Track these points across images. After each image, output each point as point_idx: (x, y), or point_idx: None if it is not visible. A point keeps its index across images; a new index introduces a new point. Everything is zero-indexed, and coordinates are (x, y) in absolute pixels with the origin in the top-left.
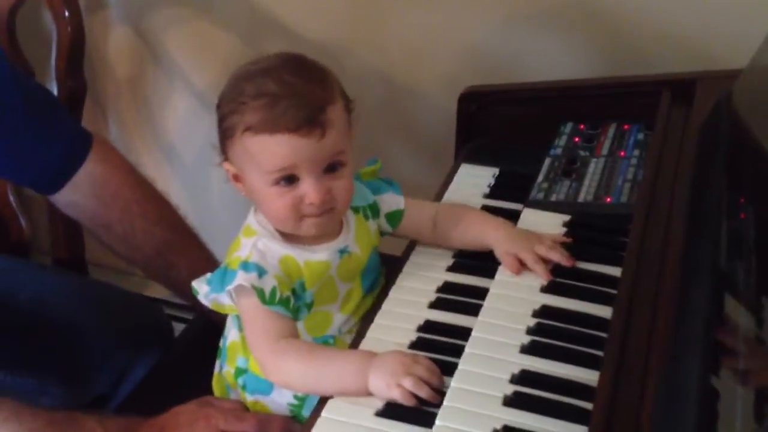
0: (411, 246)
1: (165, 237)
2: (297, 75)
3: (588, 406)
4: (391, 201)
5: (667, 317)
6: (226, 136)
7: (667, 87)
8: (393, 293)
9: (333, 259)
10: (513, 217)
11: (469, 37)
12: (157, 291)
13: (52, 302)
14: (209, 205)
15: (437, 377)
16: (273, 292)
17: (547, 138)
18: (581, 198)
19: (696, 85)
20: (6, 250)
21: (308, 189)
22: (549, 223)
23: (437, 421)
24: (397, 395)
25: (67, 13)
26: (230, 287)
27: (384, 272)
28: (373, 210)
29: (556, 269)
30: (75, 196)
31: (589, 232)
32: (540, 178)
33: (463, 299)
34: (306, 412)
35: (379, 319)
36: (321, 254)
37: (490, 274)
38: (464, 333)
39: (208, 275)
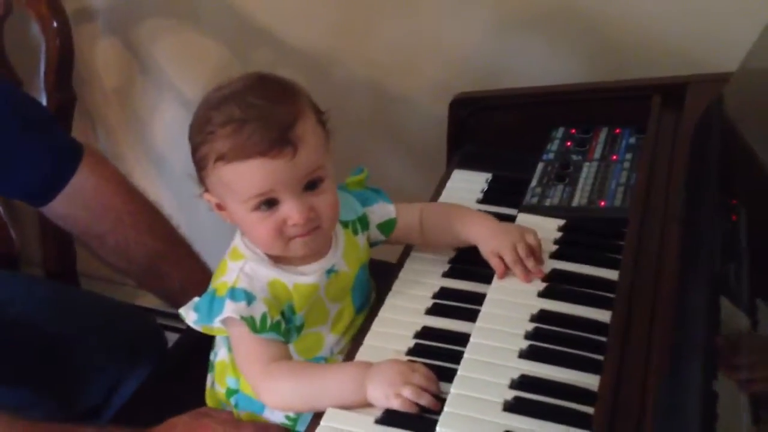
0: (406, 252)
1: (157, 248)
2: (261, 96)
3: (589, 410)
4: (381, 211)
5: (666, 319)
6: (200, 167)
7: (657, 91)
8: (389, 300)
9: (321, 280)
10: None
11: (459, 44)
12: (150, 301)
13: (43, 314)
14: (199, 214)
15: (435, 384)
16: (263, 318)
17: (539, 143)
18: (575, 202)
19: (686, 88)
20: None
21: (289, 210)
22: (544, 228)
23: (438, 428)
24: (397, 405)
25: (55, 24)
26: (220, 318)
27: (375, 288)
28: (363, 223)
29: (552, 274)
30: (66, 208)
31: (584, 236)
32: (533, 182)
33: (459, 305)
34: (300, 428)
35: (375, 326)
36: (310, 277)
37: (487, 279)
38: (462, 339)
39: (196, 300)
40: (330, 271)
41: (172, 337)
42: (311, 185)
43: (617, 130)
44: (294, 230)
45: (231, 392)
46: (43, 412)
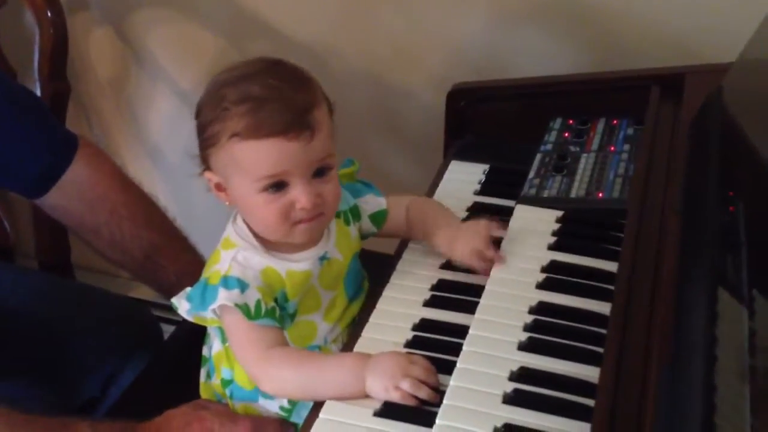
0: (404, 244)
1: (153, 240)
2: (280, 78)
3: (589, 402)
4: (373, 202)
5: (665, 311)
6: (208, 144)
7: (655, 82)
8: (387, 292)
9: (314, 267)
10: (506, 213)
11: (457, 35)
12: (145, 293)
13: (38, 306)
14: (195, 205)
15: (434, 376)
16: (258, 305)
17: (536, 134)
18: (573, 193)
19: (684, 79)
20: None
21: (299, 194)
22: (542, 219)
23: (438, 420)
24: (396, 398)
25: (49, 14)
26: (213, 306)
27: (368, 278)
28: (354, 213)
29: (550, 266)
30: (61, 200)
31: (582, 228)
32: (531, 174)
33: (458, 297)
34: (296, 418)
35: (374, 318)
36: (303, 263)
37: None
38: (460, 331)
39: (188, 290)
40: (323, 258)
41: (167, 329)
42: (320, 172)
43: (615, 121)
44: (300, 214)
45: (225, 383)
46: (40, 405)
